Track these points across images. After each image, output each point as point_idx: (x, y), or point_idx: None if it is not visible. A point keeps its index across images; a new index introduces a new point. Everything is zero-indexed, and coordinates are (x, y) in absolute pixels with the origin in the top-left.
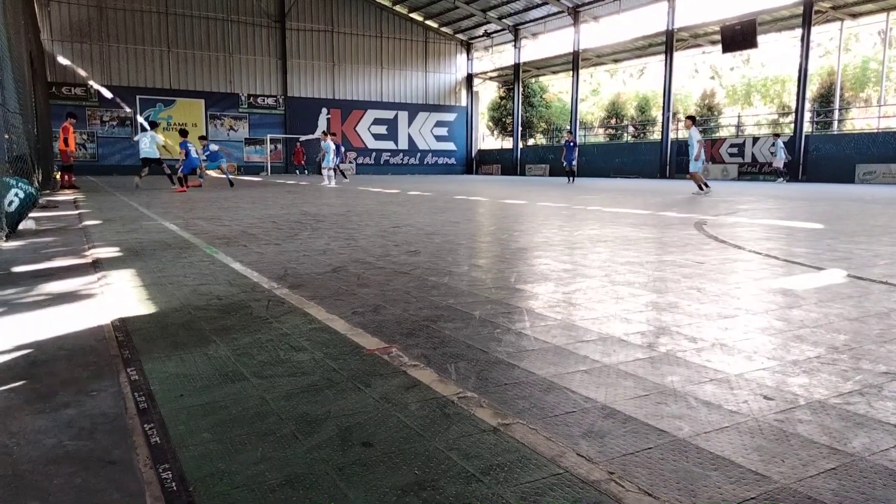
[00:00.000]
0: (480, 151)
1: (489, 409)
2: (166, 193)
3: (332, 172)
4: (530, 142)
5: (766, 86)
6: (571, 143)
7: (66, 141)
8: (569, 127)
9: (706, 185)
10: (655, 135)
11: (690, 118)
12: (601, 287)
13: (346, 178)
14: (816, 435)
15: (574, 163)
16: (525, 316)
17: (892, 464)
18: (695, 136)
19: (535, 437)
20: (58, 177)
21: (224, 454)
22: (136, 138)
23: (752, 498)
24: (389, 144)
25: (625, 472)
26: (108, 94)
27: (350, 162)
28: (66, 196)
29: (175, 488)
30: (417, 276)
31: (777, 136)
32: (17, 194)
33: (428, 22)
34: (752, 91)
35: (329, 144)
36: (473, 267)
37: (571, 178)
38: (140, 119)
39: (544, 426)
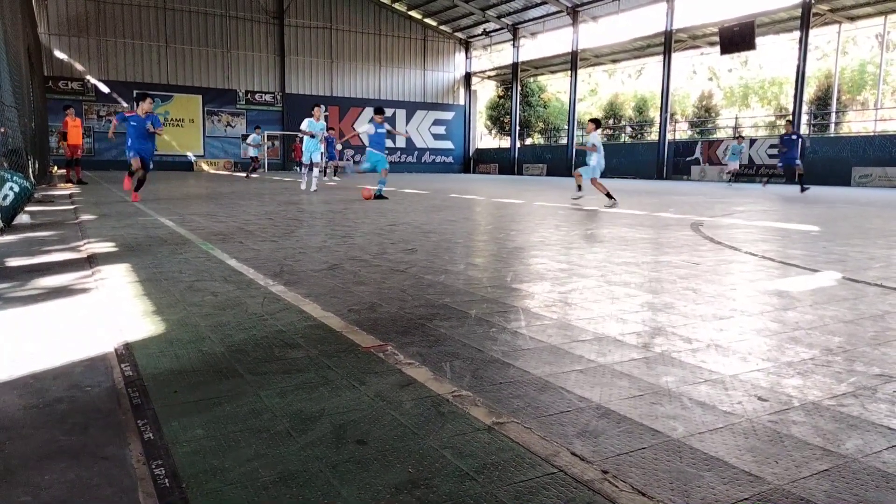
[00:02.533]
0: (478, 150)
1: (484, 407)
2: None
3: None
4: (528, 141)
5: (763, 88)
6: (794, 136)
7: (65, 136)
8: (789, 116)
9: (580, 189)
10: (653, 135)
11: (594, 121)
12: (597, 287)
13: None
14: (810, 436)
15: (798, 161)
16: (521, 315)
17: (884, 466)
18: (593, 139)
19: (529, 436)
20: (54, 171)
21: (217, 451)
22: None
23: (746, 499)
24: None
25: (619, 472)
26: (104, 89)
27: (347, 159)
28: (63, 191)
29: (168, 484)
30: (413, 274)
31: (741, 138)
32: (11, 188)
33: (427, 20)
34: (750, 93)
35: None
36: (470, 266)
37: (801, 185)
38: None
39: (539, 425)
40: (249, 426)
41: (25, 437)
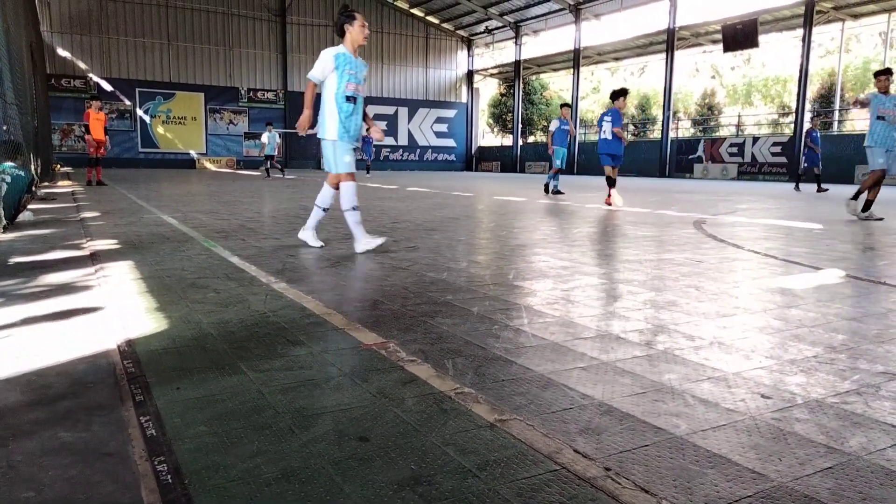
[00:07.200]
0: (480, 148)
1: (486, 404)
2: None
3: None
4: (530, 139)
5: (766, 85)
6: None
7: (87, 128)
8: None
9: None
10: (655, 133)
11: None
12: (600, 284)
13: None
14: (813, 434)
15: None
16: (523, 312)
17: (888, 463)
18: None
19: (532, 433)
20: (57, 168)
21: (220, 447)
22: (264, 139)
23: (749, 496)
24: (389, 140)
25: (621, 469)
26: (107, 87)
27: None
28: (65, 188)
29: (170, 481)
30: (416, 271)
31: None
32: (3, 179)
33: (429, 18)
34: (753, 91)
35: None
36: (472, 263)
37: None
38: (140, 112)
39: (541, 422)
40: (252, 423)
41: (28, 434)
